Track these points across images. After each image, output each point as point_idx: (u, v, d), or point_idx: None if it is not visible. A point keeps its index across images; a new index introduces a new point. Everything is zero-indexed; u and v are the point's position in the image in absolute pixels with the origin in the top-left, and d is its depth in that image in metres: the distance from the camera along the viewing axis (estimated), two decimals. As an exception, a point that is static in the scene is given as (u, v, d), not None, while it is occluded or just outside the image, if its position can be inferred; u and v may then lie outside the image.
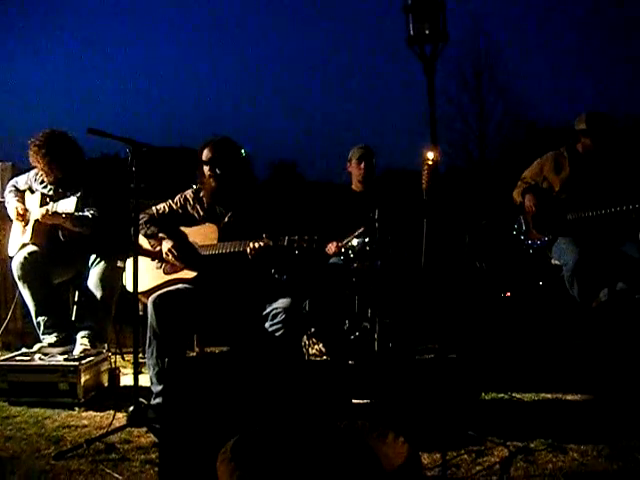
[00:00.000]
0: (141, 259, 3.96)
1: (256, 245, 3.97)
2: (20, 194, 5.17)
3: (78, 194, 4.74)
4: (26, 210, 5.02)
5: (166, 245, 4.21)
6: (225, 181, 4.29)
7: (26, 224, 5.00)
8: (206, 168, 4.31)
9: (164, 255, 4.21)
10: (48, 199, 4.90)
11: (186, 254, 4.18)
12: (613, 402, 4.18)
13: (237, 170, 4.35)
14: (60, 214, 4.72)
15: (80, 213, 4.77)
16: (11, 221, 5.16)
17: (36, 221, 4.88)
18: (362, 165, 5.41)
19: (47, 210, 4.75)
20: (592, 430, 3.66)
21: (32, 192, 5.12)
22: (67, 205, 4.66)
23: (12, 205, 5.10)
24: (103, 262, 4.91)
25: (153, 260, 4.33)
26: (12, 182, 5.29)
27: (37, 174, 5.13)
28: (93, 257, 4.96)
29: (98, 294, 4.87)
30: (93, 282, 4.90)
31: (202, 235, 4.25)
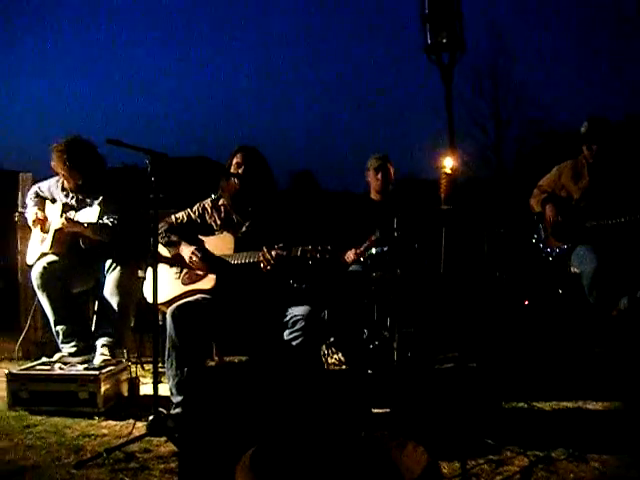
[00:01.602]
0: (160, 270, 3.97)
1: (267, 256, 3.97)
2: (41, 202, 5.20)
3: (99, 200, 4.78)
4: (46, 217, 5.06)
5: (188, 250, 4.23)
6: (248, 184, 4.31)
7: (45, 232, 5.04)
8: (233, 167, 4.36)
9: (187, 260, 4.22)
10: (70, 208, 4.93)
11: (208, 257, 4.20)
12: (634, 411, 4.16)
13: (261, 176, 4.38)
14: (82, 223, 4.74)
15: (101, 221, 4.79)
16: (31, 230, 5.20)
17: (56, 230, 4.90)
18: (379, 175, 5.42)
19: (68, 218, 4.77)
20: (613, 439, 3.63)
21: (53, 202, 5.15)
22: (89, 214, 4.69)
23: (31, 211, 5.14)
24: (119, 269, 4.92)
25: (172, 267, 4.35)
26: (35, 188, 5.32)
27: (58, 181, 5.17)
28: (108, 264, 4.96)
29: (114, 301, 4.87)
30: (109, 290, 4.91)
31: (218, 245, 4.26)
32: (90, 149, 5.07)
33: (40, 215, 5.07)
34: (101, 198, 4.87)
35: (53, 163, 5.04)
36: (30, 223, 5.14)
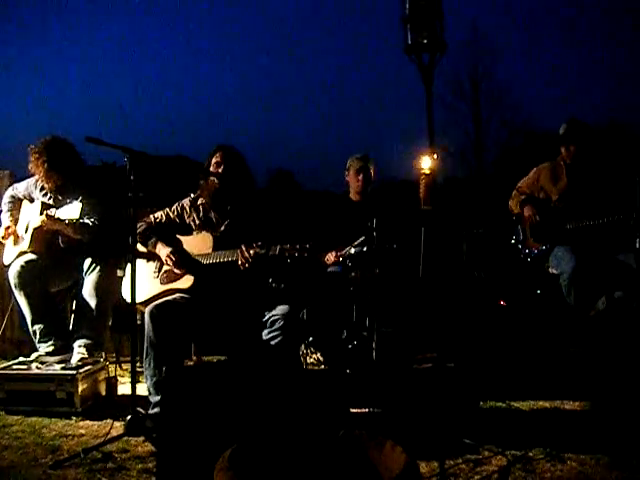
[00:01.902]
0: (139, 269, 3.95)
1: (246, 254, 3.97)
2: (17, 205, 5.17)
3: (79, 199, 4.75)
4: (15, 232, 5.05)
5: (165, 251, 4.21)
6: (227, 183, 4.31)
7: (15, 240, 5.02)
8: (212, 166, 4.36)
9: (164, 260, 4.21)
10: (49, 207, 4.89)
11: (184, 259, 4.18)
12: (611, 410, 4.18)
13: (240, 175, 4.37)
14: (63, 220, 4.70)
15: (81, 220, 4.76)
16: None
17: (35, 229, 4.87)
18: (360, 177, 5.40)
19: (49, 215, 4.74)
20: (591, 439, 3.65)
21: (31, 201, 5.11)
22: (71, 211, 4.64)
23: (4, 222, 5.12)
24: (97, 270, 4.89)
25: (148, 261, 4.34)
26: (10, 190, 5.28)
27: (37, 181, 5.12)
28: (87, 264, 4.93)
29: (93, 302, 4.85)
30: (87, 290, 4.88)
31: (197, 244, 4.25)
32: (68, 149, 5.03)
33: (11, 230, 5.05)
34: (81, 197, 4.85)
35: (31, 165, 5.01)
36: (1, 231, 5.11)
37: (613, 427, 3.87)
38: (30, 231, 4.90)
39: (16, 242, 5.05)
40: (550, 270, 5.20)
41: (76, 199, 4.77)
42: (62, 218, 4.68)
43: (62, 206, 4.77)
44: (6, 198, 5.26)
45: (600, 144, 5.68)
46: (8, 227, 5.09)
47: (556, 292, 5.09)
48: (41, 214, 4.83)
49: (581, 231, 5.07)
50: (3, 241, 5.09)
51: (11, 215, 5.14)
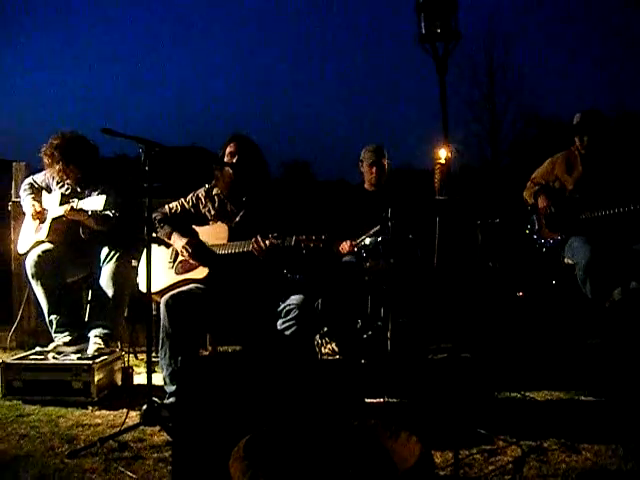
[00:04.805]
0: (154, 259, 3.96)
1: (259, 245, 3.97)
2: (37, 193, 5.18)
3: (97, 191, 4.76)
4: (43, 209, 5.03)
5: (180, 242, 4.22)
6: (242, 173, 4.31)
7: (42, 222, 5.01)
8: (227, 156, 4.36)
9: (179, 252, 4.23)
10: (68, 198, 4.90)
11: (200, 251, 4.19)
12: (627, 402, 4.17)
13: (255, 165, 4.37)
14: (86, 211, 4.71)
15: (104, 212, 4.77)
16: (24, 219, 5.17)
17: (54, 219, 4.89)
18: (373, 169, 5.40)
19: (72, 206, 4.74)
20: (606, 430, 3.64)
21: (49, 191, 5.13)
22: (95, 203, 4.64)
23: (29, 203, 5.10)
24: (115, 260, 4.92)
25: (165, 251, 4.35)
26: (28, 180, 5.29)
27: (54, 173, 5.13)
28: (104, 254, 4.96)
29: (110, 292, 4.88)
30: (104, 280, 4.91)
31: (212, 235, 4.26)
32: (80, 141, 5.05)
33: (38, 208, 5.04)
34: (100, 189, 4.86)
35: (47, 167, 5.05)
36: (29, 215, 5.10)
37: (628, 418, 3.86)
38: (48, 221, 4.92)
39: (36, 230, 5.07)
40: (565, 260, 5.18)
41: (95, 191, 4.79)
42: (85, 209, 4.70)
43: (84, 197, 4.79)
44: (25, 185, 5.27)
45: (615, 133, 5.64)
46: (33, 205, 5.08)
47: (571, 282, 5.07)
48: (61, 205, 4.85)
49: (596, 221, 5.04)
50: (34, 219, 5.08)
51: (34, 199, 5.14)
